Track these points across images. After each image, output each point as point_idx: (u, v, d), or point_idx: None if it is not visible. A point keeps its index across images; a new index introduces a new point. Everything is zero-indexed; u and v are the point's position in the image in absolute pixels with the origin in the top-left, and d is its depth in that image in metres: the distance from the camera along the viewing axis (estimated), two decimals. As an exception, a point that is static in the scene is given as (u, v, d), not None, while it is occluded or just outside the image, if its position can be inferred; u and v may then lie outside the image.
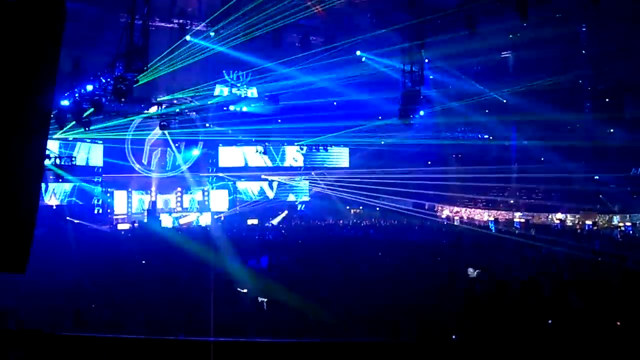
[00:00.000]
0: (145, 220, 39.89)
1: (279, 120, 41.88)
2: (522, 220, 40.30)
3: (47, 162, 29.03)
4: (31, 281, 18.02)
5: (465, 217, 43.50)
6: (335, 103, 39.82)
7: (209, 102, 35.99)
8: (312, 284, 18.55)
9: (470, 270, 20.20)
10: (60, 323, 14.32)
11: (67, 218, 37.27)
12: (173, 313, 15.43)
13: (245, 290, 17.43)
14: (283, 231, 37.72)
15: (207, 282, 18.95)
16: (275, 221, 43.53)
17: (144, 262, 23.66)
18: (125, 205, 42.13)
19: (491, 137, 44.10)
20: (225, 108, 37.81)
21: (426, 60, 29.02)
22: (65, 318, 14.75)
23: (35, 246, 3.17)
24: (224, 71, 35.44)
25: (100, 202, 41.12)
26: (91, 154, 39.99)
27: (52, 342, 3.06)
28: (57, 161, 31.32)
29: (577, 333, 12.00)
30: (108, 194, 41.53)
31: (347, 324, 13.89)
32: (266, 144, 44.79)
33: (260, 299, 16.35)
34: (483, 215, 42.55)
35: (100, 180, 40.75)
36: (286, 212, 45.34)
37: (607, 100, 37.54)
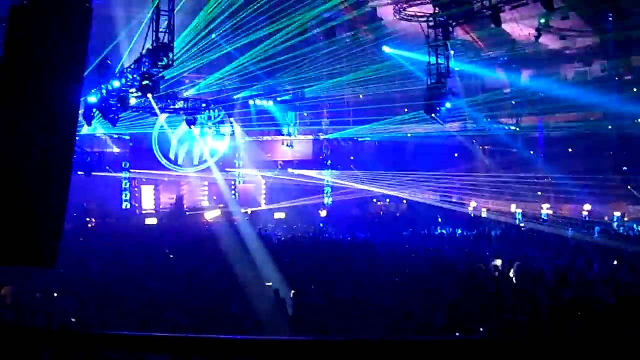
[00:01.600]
0: (173, 215, 40.18)
1: (305, 114, 41.94)
2: (550, 212, 40.00)
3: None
4: (60, 276, 18.27)
5: (492, 209, 43.18)
6: (361, 96, 39.76)
7: (235, 97, 36.11)
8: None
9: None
10: (87, 319, 14.49)
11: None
12: (198, 308, 15.50)
13: (270, 284, 17.40)
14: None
15: (232, 277, 19.06)
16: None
17: (172, 256, 23.81)
18: (153, 200, 42.51)
19: (517, 129, 43.72)
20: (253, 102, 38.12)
21: (452, 52, 28.90)
22: (93, 314, 14.90)
23: (65, 241, 3.20)
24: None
25: (128, 197, 41.47)
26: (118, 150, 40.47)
27: (82, 340, 3.10)
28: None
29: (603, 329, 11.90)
30: (136, 189, 41.93)
31: (371, 319, 13.88)
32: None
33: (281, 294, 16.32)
34: (510, 207, 42.23)
35: (128, 176, 41.06)
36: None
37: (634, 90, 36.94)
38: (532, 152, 44.06)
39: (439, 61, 27.02)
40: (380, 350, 2.23)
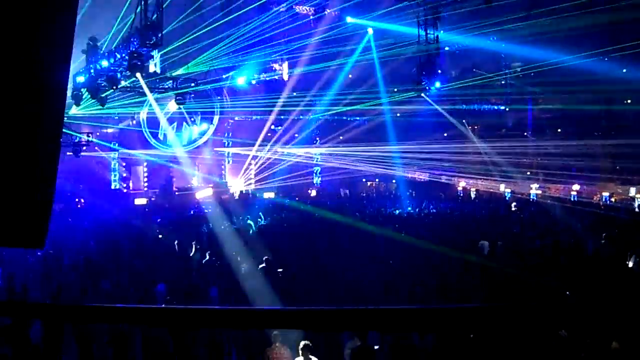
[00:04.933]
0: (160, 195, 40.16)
1: (294, 94, 41.76)
2: (539, 192, 40.13)
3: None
4: (48, 255, 18.30)
5: (481, 189, 43.34)
6: (350, 76, 39.66)
7: (224, 76, 35.93)
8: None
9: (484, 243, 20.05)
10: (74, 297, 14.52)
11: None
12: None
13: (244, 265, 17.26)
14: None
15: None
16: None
17: (160, 236, 23.81)
18: (142, 180, 42.43)
19: (507, 109, 43.79)
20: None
21: (442, 32, 28.82)
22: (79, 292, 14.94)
23: (53, 221, 3.19)
24: None
25: (117, 177, 41.34)
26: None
27: (68, 313, 3.11)
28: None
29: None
30: (124, 169, 41.83)
31: (364, 295, 13.97)
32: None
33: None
34: (499, 187, 42.35)
35: (116, 155, 40.94)
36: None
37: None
38: (522, 132, 44.13)
39: (429, 39, 27.02)
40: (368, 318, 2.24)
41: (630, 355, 8.37)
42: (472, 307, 2.05)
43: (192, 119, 41.25)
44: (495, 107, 44.05)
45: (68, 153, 31.02)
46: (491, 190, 42.36)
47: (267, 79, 36.44)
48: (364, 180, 47.33)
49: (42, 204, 2.98)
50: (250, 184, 45.41)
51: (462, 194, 43.45)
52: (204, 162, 44.42)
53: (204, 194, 41.45)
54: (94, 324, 11.02)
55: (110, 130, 41.04)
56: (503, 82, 40.52)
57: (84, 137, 32.77)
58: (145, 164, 42.57)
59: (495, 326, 2.10)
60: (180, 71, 32.03)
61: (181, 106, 32.89)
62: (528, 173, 42.54)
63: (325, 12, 30.72)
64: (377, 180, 48.05)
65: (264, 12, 29.82)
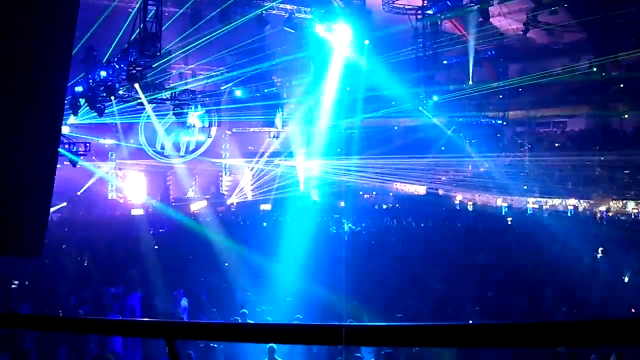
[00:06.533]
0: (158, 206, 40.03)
1: (292, 106, 41.72)
2: (536, 205, 40.12)
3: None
4: (45, 265, 18.23)
5: (478, 202, 43.27)
6: (348, 89, 39.64)
7: (222, 88, 35.95)
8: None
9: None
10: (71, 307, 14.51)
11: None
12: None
13: None
14: None
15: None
16: None
17: (156, 247, 23.75)
18: (144, 190, 42.39)
19: (504, 123, 43.78)
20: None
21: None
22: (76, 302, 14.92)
23: (50, 231, 3.18)
24: None
25: (114, 187, 41.25)
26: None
27: (66, 326, 3.09)
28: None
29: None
30: (121, 179, 41.75)
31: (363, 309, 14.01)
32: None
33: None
34: (496, 201, 42.32)
35: (114, 166, 40.85)
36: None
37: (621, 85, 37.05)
38: (519, 146, 44.17)
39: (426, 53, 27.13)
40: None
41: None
42: (467, 326, 2.03)
43: (190, 130, 41.19)
44: (493, 121, 44.06)
45: (65, 162, 30.92)
46: (488, 203, 42.36)
47: (266, 90, 36.52)
48: (360, 193, 47.13)
49: (39, 214, 2.96)
50: (245, 195, 45.30)
51: (459, 207, 43.38)
52: (201, 174, 44.33)
53: (198, 205, 41.33)
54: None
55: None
56: (501, 96, 40.54)
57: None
58: (142, 174, 42.51)
59: (491, 344, 2.08)
60: (178, 83, 32.09)
61: (179, 117, 32.89)
62: (525, 187, 42.49)
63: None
64: (373, 193, 47.93)
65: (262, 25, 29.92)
